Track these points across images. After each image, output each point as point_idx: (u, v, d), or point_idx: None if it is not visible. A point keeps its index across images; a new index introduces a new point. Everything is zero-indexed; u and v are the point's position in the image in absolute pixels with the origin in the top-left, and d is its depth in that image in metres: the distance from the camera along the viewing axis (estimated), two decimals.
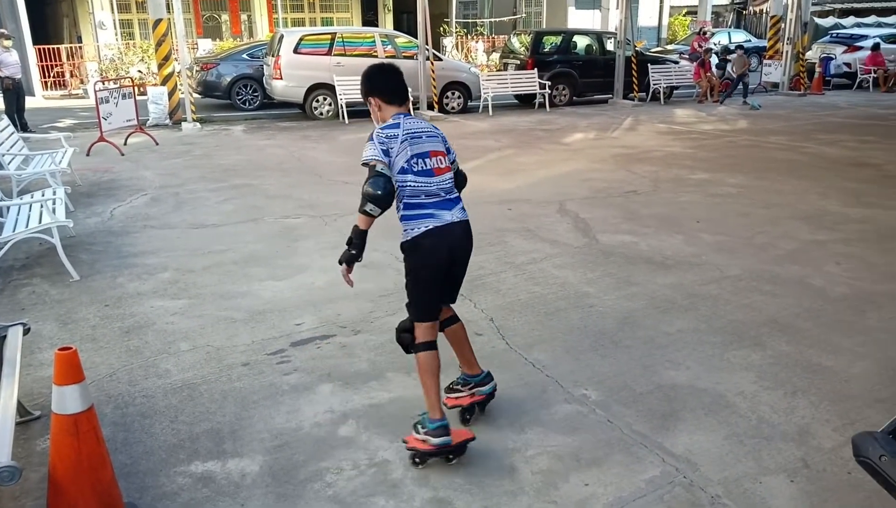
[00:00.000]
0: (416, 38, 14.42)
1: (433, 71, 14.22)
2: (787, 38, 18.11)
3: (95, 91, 10.49)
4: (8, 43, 11.55)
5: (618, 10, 17.43)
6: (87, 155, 9.87)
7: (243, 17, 24.72)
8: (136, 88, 11.92)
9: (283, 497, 2.78)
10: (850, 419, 3.28)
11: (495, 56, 21.77)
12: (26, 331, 3.33)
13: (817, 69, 18.92)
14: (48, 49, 18.78)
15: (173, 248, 5.85)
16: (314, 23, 24.78)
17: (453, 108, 14.96)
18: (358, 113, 13.33)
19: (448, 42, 23.58)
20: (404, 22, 26.64)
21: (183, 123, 12.65)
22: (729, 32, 27.52)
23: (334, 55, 13.80)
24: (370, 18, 26.09)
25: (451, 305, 3.23)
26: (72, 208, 6.84)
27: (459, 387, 3.32)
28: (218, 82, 15.02)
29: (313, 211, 6.99)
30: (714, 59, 17.86)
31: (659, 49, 25.70)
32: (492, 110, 14.68)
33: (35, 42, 18.01)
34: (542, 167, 9.22)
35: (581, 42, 17.04)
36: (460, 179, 3.18)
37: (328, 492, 2.81)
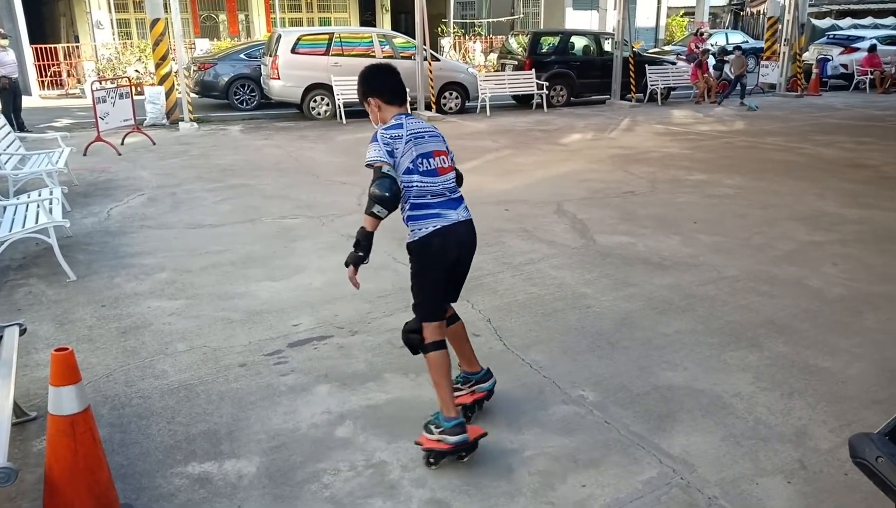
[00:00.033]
0: (414, 38, 14.41)
1: (431, 71, 14.21)
2: (784, 40, 18.15)
3: (92, 91, 10.48)
4: (5, 42, 11.53)
5: (615, 10, 17.45)
6: (84, 155, 9.85)
7: (241, 16, 24.70)
8: (133, 88, 11.90)
9: (280, 498, 2.78)
10: (847, 421, 3.29)
11: (493, 56, 21.78)
12: (22, 331, 3.32)
13: (814, 70, 18.96)
14: (45, 48, 18.74)
15: (170, 248, 5.84)
16: (312, 23, 24.78)
17: (451, 108, 14.96)
18: (355, 113, 13.32)
19: (446, 42, 23.58)
20: (402, 22, 26.66)
21: (180, 122, 12.64)
22: (726, 33, 27.57)
23: (332, 55, 13.80)
24: (368, 18, 26.08)
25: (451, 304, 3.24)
26: (68, 208, 6.83)
27: (460, 385, 3.32)
28: (215, 82, 15.01)
29: (311, 211, 6.98)
30: (711, 60, 17.88)
31: (656, 50, 25.73)
32: (489, 111, 14.68)
33: (32, 41, 17.98)
34: (540, 168, 9.22)
35: (579, 43, 17.06)
36: (457, 179, 3.18)
37: (325, 493, 2.80)
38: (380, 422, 3.29)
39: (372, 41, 14.40)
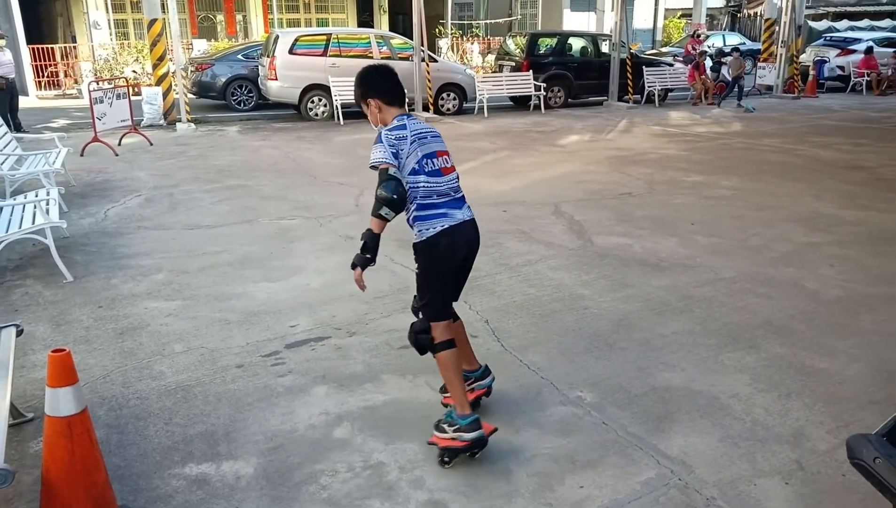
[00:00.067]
0: (412, 39, 14.42)
1: (428, 72, 14.22)
2: (781, 41, 18.20)
3: (90, 91, 10.46)
4: (2, 42, 11.50)
5: (613, 12, 17.47)
6: (82, 155, 9.83)
7: (238, 17, 24.67)
8: (130, 89, 11.88)
9: (277, 499, 2.77)
10: (845, 422, 3.29)
11: (490, 58, 21.79)
12: (19, 332, 3.31)
13: (811, 72, 19.03)
14: (42, 49, 18.72)
15: (168, 249, 5.83)
16: (309, 24, 24.77)
17: (448, 109, 14.96)
18: (353, 114, 13.30)
19: (443, 43, 23.58)
20: (400, 23, 26.66)
21: (177, 123, 12.62)
22: (723, 35, 27.64)
23: (330, 56, 13.80)
24: (365, 19, 26.08)
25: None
26: (65, 209, 6.82)
27: None
28: (213, 83, 14.99)
29: (308, 212, 6.97)
30: (708, 62, 17.92)
31: (654, 51, 25.76)
32: (487, 112, 14.70)
33: (29, 41, 17.94)
34: (537, 169, 9.23)
35: (576, 44, 17.09)
36: None
37: (323, 495, 2.80)
38: (377, 423, 3.28)
39: (369, 42, 14.40)
